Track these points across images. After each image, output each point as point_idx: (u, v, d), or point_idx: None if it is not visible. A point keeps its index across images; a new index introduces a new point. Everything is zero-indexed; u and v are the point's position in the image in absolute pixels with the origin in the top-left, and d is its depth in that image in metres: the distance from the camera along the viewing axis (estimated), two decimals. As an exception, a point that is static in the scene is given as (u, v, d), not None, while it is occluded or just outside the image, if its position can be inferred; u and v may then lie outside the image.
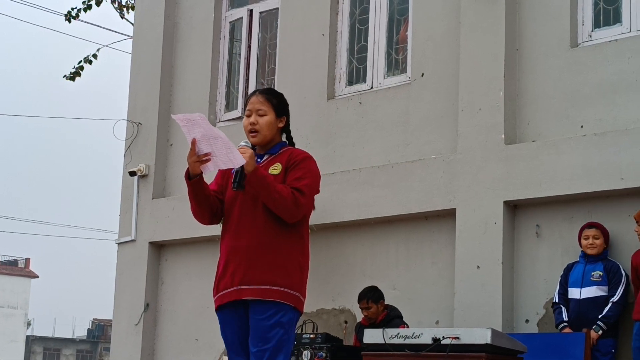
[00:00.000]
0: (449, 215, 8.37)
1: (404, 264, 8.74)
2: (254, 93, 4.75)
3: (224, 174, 4.77)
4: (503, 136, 8.05)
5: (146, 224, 10.91)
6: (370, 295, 8.08)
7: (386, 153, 8.98)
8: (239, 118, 10.47)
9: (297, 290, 4.54)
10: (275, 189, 4.42)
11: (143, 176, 11.00)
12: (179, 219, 10.55)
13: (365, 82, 9.48)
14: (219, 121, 10.71)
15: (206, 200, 4.61)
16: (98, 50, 11.78)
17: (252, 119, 4.65)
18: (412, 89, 8.95)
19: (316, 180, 4.63)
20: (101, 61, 11.79)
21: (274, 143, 4.71)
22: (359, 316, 8.49)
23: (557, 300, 7.41)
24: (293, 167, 4.58)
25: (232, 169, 4.54)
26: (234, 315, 4.57)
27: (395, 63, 9.41)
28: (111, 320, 11.53)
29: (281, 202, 4.43)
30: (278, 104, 4.72)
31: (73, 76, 11.65)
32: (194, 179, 4.53)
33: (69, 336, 65.62)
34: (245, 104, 4.75)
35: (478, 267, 7.96)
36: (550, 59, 8.05)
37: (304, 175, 4.56)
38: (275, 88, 10.12)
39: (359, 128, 9.26)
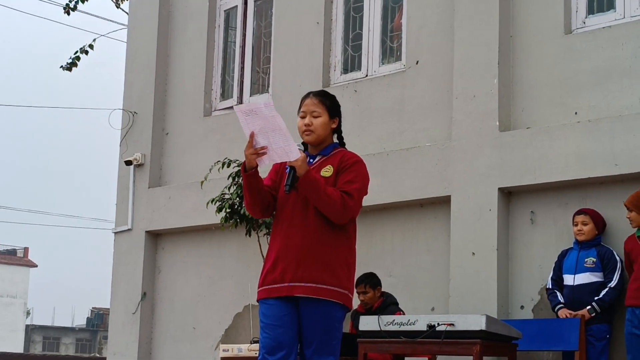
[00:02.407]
0: (444, 202, 8.38)
1: (399, 251, 8.75)
2: (307, 95, 4.88)
3: (277, 171, 4.89)
4: (497, 123, 8.05)
5: (142, 213, 10.92)
6: (368, 281, 8.10)
7: (381, 141, 8.98)
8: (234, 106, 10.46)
9: (345, 288, 4.69)
10: (325, 192, 4.55)
11: (139, 165, 11.00)
12: (175, 208, 10.56)
13: (360, 70, 9.47)
14: (215, 110, 10.71)
15: (259, 194, 4.72)
16: (94, 40, 11.75)
17: (306, 120, 4.79)
18: (407, 76, 8.95)
19: (366, 183, 4.78)
20: (97, 51, 11.78)
21: (327, 144, 4.85)
22: (356, 303, 8.50)
23: (550, 286, 7.42)
24: (344, 170, 4.72)
25: (285, 166, 4.68)
26: (280, 307, 4.68)
27: (390, 51, 9.40)
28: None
29: (330, 205, 4.57)
30: (331, 105, 4.85)
31: (69, 66, 11.63)
32: (249, 171, 4.63)
33: (69, 325, 65.72)
34: (300, 106, 4.86)
35: (473, 253, 7.98)
36: (544, 46, 8.05)
37: (354, 179, 4.69)
38: (271, 77, 10.12)
39: (355, 116, 9.26)
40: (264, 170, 4.67)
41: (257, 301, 4.78)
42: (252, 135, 4.52)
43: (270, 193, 4.81)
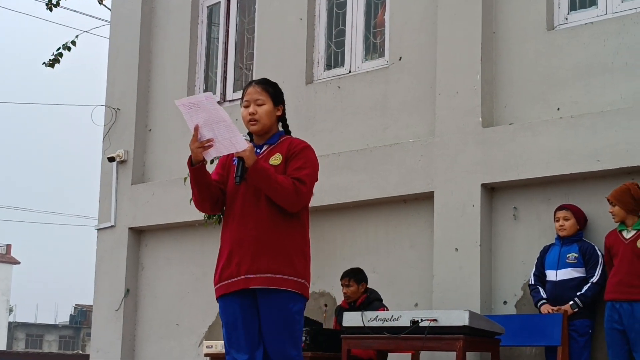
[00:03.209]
0: (427, 198, 8.39)
1: (383, 247, 8.76)
2: (250, 84, 4.81)
3: (224, 165, 4.84)
4: (480, 119, 8.06)
5: (126, 210, 10.90)
6: (353, 275, 8.12)
7: (364, 137, 8.99)
8: (218, 103, 10.44)
9: (303, 277, 4.64)
10: (276, 180, 4.50)
11: (122, 162, 10.98)
12: (158, 204, 10.54)
13: (343, 66, 9.47)
14: (198, 106, 10.67)
15: (208, 188, 4.67)
16: (77, 36, 11.70)
17: (250, 109, 4.72)
18: (390, 72, 8.95)
19: (316, 169, 4.73)
20: (80, 47, 11.72)
21: (273, 132, 4.79)
22: (339, 299, 8.52)
23: (533, 282, 7.44)
24: (293, 157, 4.67)
25: (233, 159, 4.64)
26: (237, 302, 4.64)
27: (373, 47, 9.41)
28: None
29: (283, 193, 4.52)
30: (275, 92, 4.79)
31: (52, 63, 11.58)
32: (196, 165, 4.58)
33: (52, 322, 65.48)
34: (242, 96, 4.80)
35: (456, 249, 7.99)
36: (526, 42, 8.07)
37: (304, 165, 4.65)
38: (254, 73, 10.11)
39: (338, 112, 9.26)
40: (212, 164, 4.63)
41: (217, 299, 4.73)
42: (196, 129, 4.47)
43: (219, 187, 4.75)
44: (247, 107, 4.74)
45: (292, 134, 4.89)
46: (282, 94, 4.85)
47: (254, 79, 4.89)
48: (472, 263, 7.88)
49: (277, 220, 4.59)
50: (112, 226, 11.00)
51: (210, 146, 4.49)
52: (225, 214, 4.76)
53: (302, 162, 4.66)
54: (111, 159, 10.98)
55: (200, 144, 4.50)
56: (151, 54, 11.19)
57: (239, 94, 10.28)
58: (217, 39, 10.87)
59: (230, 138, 4.44)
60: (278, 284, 4.55)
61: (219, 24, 10.86)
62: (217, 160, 4.88)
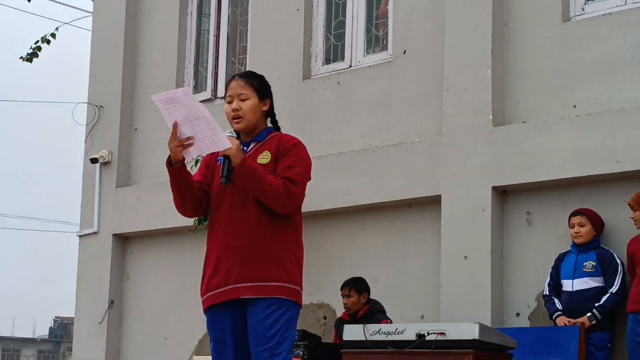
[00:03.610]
0: (434, 202, 8.39)
1: (386, 256, 8.76)
2: (233, 78, 4.75)
3: (208, 165, 4.79)
4: (491, 117, 8.07)
5: (110, 215, 10.90)
6: (354, 285, 8.12)
7: (366, 137, 8.99)
8: (209, 100, 10.46)
9: (296, 284, 4.60)
10: (265, 180, 4.44)
11: (106, 163, 10.99)
12: (144, 209, 10.54)
13: (343, 60, 9.48)
14: (187, 103, 10.67)
15: (189, 190, 4.62)
16: (57, 29, 11.70)
17: (234, 104, 4.66)
18: (394, 67, 8.96)
19: (308, 167, 4.68)
20: (61, 40, 11.73)
21: (260, 129, 4.73)
22: (339, 311, 8.52)
23: (547, 293, 7.45)
24: (283, 155, 4.62)
25: (217, 158, 4.58)
26: (227, 315, 4.60)
27: (375, 40, 9.41)
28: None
29: (273, 194, 4.46)
30: (260, 86, 4.73)
31: (30, 57, 11.58)
32: (175, 165, 4.53)
33: (30, 336, 65.46)
34: (225, 91, 4.76)
35: (465, 257, 8.00)
36: (540, 34, 8.07)
37: (295, 163, 4.60)
38: (248, 68, 10.12)
39: (337, 110, 9.27)
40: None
41: (204, 312, 4.69)
42: (175, 126, 4.40)
43: (202, 189, 4.69)
44: (230, 102, 4.69)
45: (287, 133, 4.86)
46: (268, 86, 4.79)
47: (237, 73, 4.84)
48: (482, 272, 7.89)
49: (267, 223, 4.53)
50: (95, 232, 11.00)
51: (190, 144, 4.43)
52: (210, 219, 4.71)
53: (293, 159, 4.61)
54: (94, 161, 10.98)
55: (180, 142, 4.44)
56: (137, 47, 11.20)
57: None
58: (208, 31, 10.88)
59: (212, 136, 4.39)
60: (270, 292, 4.50)
61: (209, 14, 10.87)
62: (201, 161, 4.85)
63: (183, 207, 4.70)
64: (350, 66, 9.39)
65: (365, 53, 9.37)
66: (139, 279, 10.80)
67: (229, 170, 4.41)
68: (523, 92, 8.10)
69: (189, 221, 9.06)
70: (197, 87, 10.80)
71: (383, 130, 8.92)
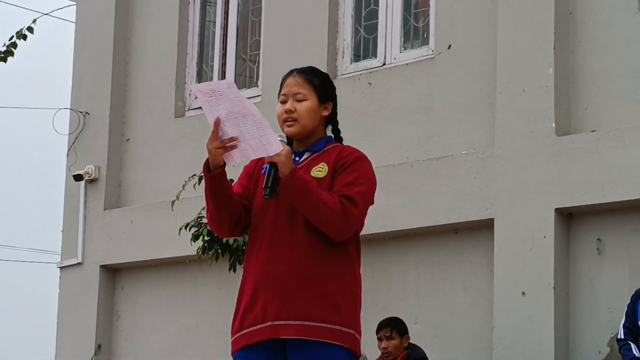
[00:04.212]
0: (485, 227, 8.38)
1: (427, 291, 8.74)
2: (290, 73, 4.73)
3: (251, 175, 4.72)
4: (553, 125, 8.05)
5: (96, 243, 10.90)
6: (395, 325, 8.13)
7: (403, 148, 8.98)
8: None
9: (352, 327, 4.53)
10: (319, 197, 4.39)
11: (92, 181, 11.00)
12: (138, 235, 10.54)
13: (375, 57, 9.49)
14: (188, 109, 10.70)
15: (227, 203, 4.54)
16: (34, 21, 11.71)
17: (288, 105, 4.62)
18: (437, 65, 8.95)
19: (372, 186, 4.62)
20: (39, 34, 11.75)
21: (317, 137, 4.68)
22: (372, 356, 8.49)
23: (622, 336, 7.39)
24: (343, 170, 4.55)
25: (262, 166, 4.54)
26: (263, 358, 4.52)
27: (414, 32, 9.41)
28: (53, 366, 11.52)
29: (327, 215, 4.40)
30: (322, 86, 4.71)
31: (4, 56, 11.61)
32: (214, 171, 4.45)
33: (2, 385, 65.65)
34: (280, 88, 4.71)
35: (523, 293, 7.98)
36: (613, 26, 8.06)
37: (357, 180, 4.53)
38: (260, 66, 10.12)
39: (368, 116, 9.25)
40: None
41: (233, 355, 4.60)
42: (217, 123, 4.36)
43: (242, 203, 4.61)
44: (283, 102, 4.64)
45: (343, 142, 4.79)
46: (332, 88, 4.75)
47: (295, 69, 4.79)
48: (543, 311, 7.86)
49: (318, 249, 4.47)
50: (79, 263, 11.00)
51: (234, 147, 4.39)
52: (249, 240, 4.64)
53: (355, 176, 4.52)
54: (78, 177, 10.98)
55: (221, 144, 4.38)
56: (129, 42, 11.22)
57: (242, 93, 10.28)
58: (214, 22, 10.89)
59: (260, 137, 4.34)
60: (318, 334, 4.42)
61: (215, 3, 10.89)
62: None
63: (218, 223, 4.61)
64: (384, 64, 9.39)
65: (402, 48, 9.37)
66: (132, 318, 10.79)
67: (275, 180, 4.35)
68: (592, 95, 8.09)
69: (191, 250, 9.05)
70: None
71: (423, 140, 8.90)
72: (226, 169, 4.48)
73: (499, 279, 8.14)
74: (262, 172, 4.53)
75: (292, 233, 4.49)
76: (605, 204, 7.81)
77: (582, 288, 7.95)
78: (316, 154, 4.64)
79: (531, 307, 7.92)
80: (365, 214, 4.57)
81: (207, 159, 4.45)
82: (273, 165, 4.35)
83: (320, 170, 4.57)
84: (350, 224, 4.47)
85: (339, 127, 4.79)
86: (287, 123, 4.60)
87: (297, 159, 4.60)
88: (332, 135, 4.75)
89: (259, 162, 4.61)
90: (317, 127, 4.66)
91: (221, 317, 9.97)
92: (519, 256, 8.05)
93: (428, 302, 8.74)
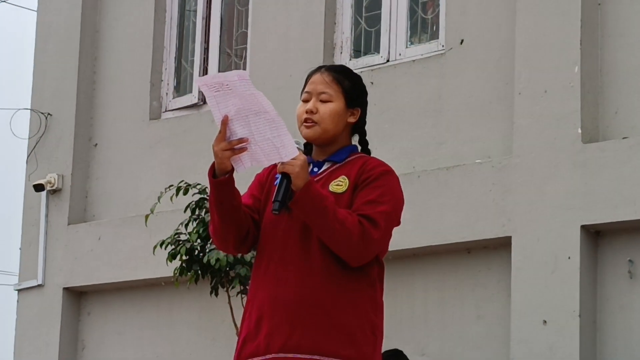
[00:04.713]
0: (501, 246, 8.42)
1: (436, 318, 8.77)
2: (318, 69, 4.68)
3: (262, 184, 4.65)
4: (580, 130, 8.08)
5: (59, 262, 10.91)
6: (395, 358, 8.14)
7: (410, 156, 9.01)
8: (195, 105, 10.48)
9: None
10: (335, 215, 4.33)
11: (54, 191, 11.00)
12: (107, 253, 10.55)
13: (378, 52, 9.53)
14: (165, 110, 10.71)
15: (235, 215, 4.47)
16: (-13, 8, 11.78)
17: (310, 104, 4.57)
18: (447, 62, 8.98)
19: (398, 206, 4.57)
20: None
21: (340, 146, 4.64)
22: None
23: (658, 370, 7.45)
24: (366, 185, 4.49)
25: (276, 175, 4.44)
26: None
27: (422, 25, 9.44)
28: (9, 403, 11.53)
29: (343, 236, 4.34)
30: (351, 88, 4.66)
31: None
32: (220, 177, 4.40)
33: None
34: (304, 85, 4.65)
35: (544, 322, 8.01)
36: (647, 18, 8.10)
37: (380, 197, 4.46)
38: (247, 62, 10.15)
39: (370, 119, 9.20)
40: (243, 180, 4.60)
41: None
42: (224, 122, 4.31)
43: (251, 216, 4.53)
44: (306, 101, 4.59)
45: (371, 154, 4.67)
46: (363, 92, 4.71)
47: (324, 65, 4.77)
48: (568, 342, 7.89)
49: (334, 273, 4.42)
50: (39, 285, 11.00)
51: (244, 149, 4.35)
52: (257, 258, 4.58)
53: (379, 193, 4.46)
54: (39, 187, 10.99)
55: (229, 145, 4.34)
56: (98, 33, 11.23)
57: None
58: (195, 12, 10.91)
59: (274, 139, 4.30)
60: None
61: (197, -10, 10.93)
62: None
63: (223, 237, 4.54)
64: (388, 60, 9.43)
65: (409, 43, 9.40)
66: (99, 348, 10.80)
67: (286, 192, 4.30)
68: (623, 97, 8.12)
69: (168, 271, 9.06)
70: (179, 89, 10.82)
71: (432, 147, 8.93)
72: (234, 176, 4.40)
73: (517, 305, 8.17)
74: (275, 182, 4.44)
75: (306, 253, 4.43)
76: (638, 221, 7.84)
77: (611, 316, 7.98)
78: (337, 165, 4.57)
79: (553, 337, 7.96)
80: (389, 236, 4.51)
81: (213, 163, 4.39)
82: (285, 175, 4.31)
83: (339, 185, 4.50)
84: (369, 248, 4.41)
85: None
86: (305, 124, 4.54)
87: (315, 169, 4.56)
88: (357, 146, 4.69)
89: (272, 169, 4.53)
90: (339, 133, 4.61)
91: (201, 347, 10.00)
92: (539, 279, 8.08)
93: (437, 331, 8.76)
